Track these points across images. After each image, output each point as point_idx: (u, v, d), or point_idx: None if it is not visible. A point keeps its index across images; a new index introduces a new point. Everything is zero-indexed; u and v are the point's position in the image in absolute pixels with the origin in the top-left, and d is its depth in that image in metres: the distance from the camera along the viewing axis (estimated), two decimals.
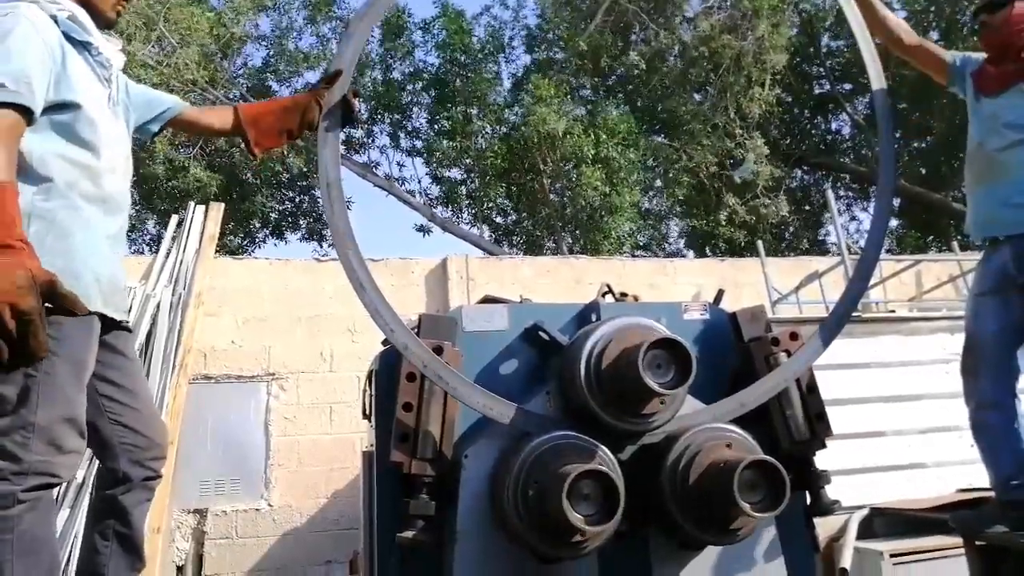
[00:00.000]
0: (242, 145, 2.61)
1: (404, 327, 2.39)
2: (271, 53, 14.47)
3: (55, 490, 1.93)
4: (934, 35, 14.67)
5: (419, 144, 15.30)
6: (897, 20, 3.19)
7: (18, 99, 1.76)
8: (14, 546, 1.74)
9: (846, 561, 4.06)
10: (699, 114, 13.20)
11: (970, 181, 3.03)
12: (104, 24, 2.23)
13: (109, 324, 2.11)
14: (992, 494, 2.91)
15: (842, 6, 3.17)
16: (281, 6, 14.37)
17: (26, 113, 1.79)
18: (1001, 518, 2.77)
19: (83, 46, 2.09)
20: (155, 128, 2.48)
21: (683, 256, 15.52)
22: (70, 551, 4.87)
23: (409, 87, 14.94)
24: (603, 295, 3.21)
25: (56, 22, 2.00)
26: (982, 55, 3.07)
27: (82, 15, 2.10)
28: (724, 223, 13.29)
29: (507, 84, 15.60)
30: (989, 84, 2.95)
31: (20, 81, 1.79)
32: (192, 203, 7.64)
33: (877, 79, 3.13)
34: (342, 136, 2.65)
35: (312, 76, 14.75)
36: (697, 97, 13.87)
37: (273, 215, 15.00)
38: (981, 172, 2.95)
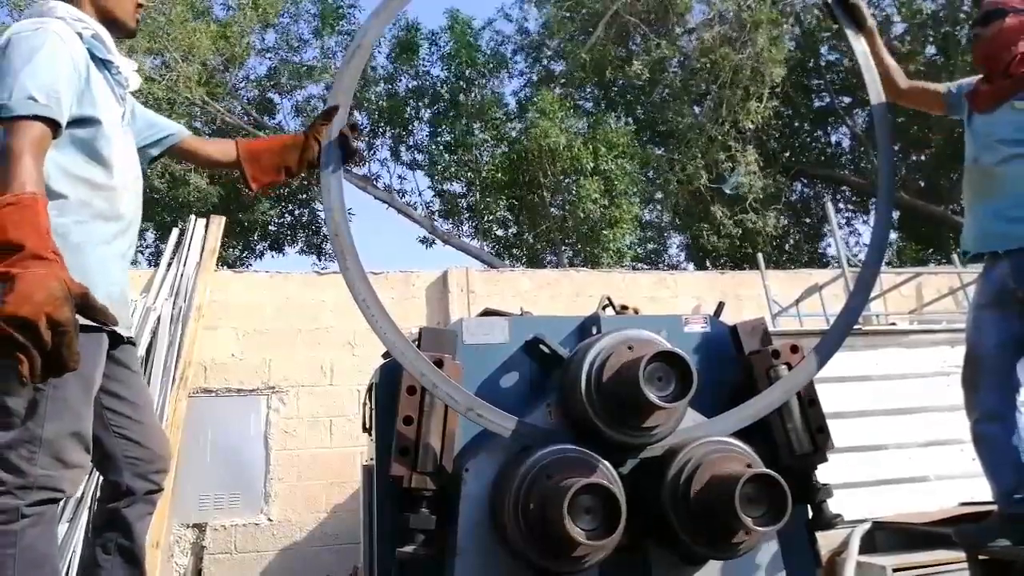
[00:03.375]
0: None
1: (435, 370, 2.38)
2: (273, 66, 14.55)
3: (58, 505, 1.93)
4: (931, 49, 14.74)
5: (420, 157, 15.37)
6: (895, 65, 3.19)
7: (48, 113, 1.78)
8: (17, 560, 1.73)
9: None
10: (695, 125, 13.25)
11: (968, 197, 3.05)
12: (125, 33, 2.28)
13: (116, 339, 2.12)
14: (995, 507, 2.90)
15: (848, 37, 3.17)
16: (291, 14, 14.44)
17: (53, 127, 1.81)
18: (1004, 532, 2.76)
19: (104, 64, 2.12)
20: (155, 152, 2.50)
21: (683, 269, 15.53)
22: (69, 564, 4.85)
23: (413, 102, 15.01)
24: (604, 308, 3.21)
25: (81, 39, 2.02)
26: (975, 78, 3.10)
27: (104, 34, 2.14)
28: (710, 234, 13.31)
29: (509, 98, 15.71)
30: (982, 101, 2.97)
31: (50, 96, 1.81)
32: (193, 216, 7.65)
33: (876, 92, 3.14)
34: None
35: (315, 89, 14.83)
36: (697, 110, 13.92)
37: (272, 228, 15.02)
38: (978, 188, 2.96)
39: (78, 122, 1.97)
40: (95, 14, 2.14)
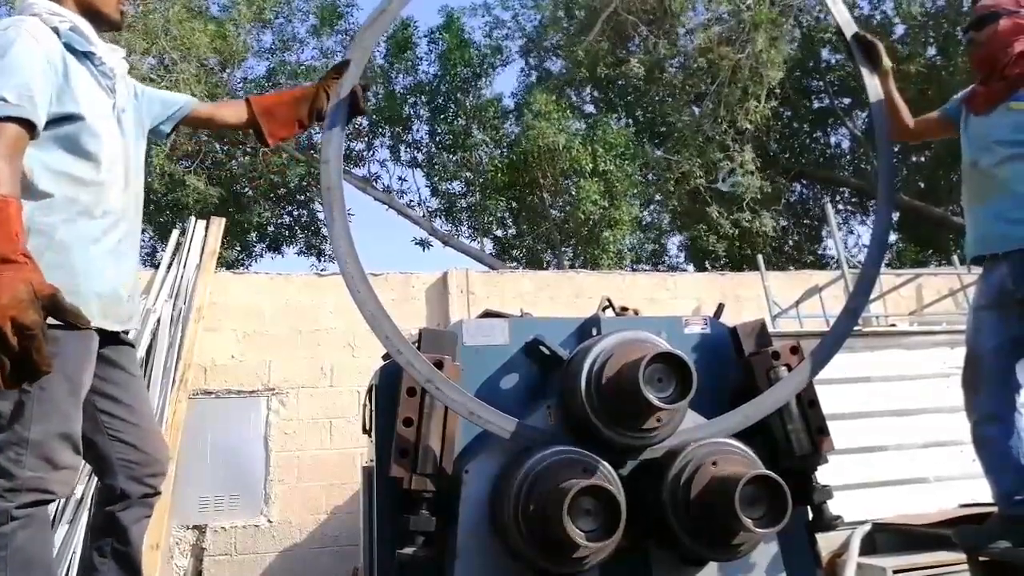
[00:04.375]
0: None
1: (422, 358, 2.38)
2: (272, 66, 14.54)
3: (52, 506, 1.91)
4: (932, 50, 14.74)
5: (419, 157, 15.35)
6: (904, 106, 3.18)
7: (21, 113, 1.76)
8: (8, 563, 1.72)
9: None
10: (693, 123, 13.24)
11: (967, 199, 3.06)
12: (109, 26, 2.24)
13: (109, 338, 2.09)
14: (995, 509, 2.90)
15: (863, 74, 3.16)
16: (286, 15, 14.45)
17: (29, 127, 1.79)
18: (1004, 533, 2.75)
19: (86, 57, 2.08)
20: (167, 128, 2.49)
21: (683, 270, 15.53)
22: (69, 565, 4.84)
23: (411, 99, 15.01)
24: (603, 309, 3.21)
25: (58, 34, 2.00)
26: (969, 89, 3.12)
27: (84, 25, 2.10)
28: (708, 235, 13.31)
29: (507, 98, 15.72)
30: (979, 104, 2.98)
31: (23, 95, 1.79)
32: (193, 217, 7.65)
33: (875, 94, 3.14)
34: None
35: None
36: (696, 111, 13.91)
37: (271, 228, 15.01)
38: (976, 190, 2.97)
39: (60, 119, 1.94)
40: (76, 7, 2.12)
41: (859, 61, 3.15)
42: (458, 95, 14.39)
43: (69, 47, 2.02)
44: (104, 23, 2.21)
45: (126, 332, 2.24)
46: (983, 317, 2.91)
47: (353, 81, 2.58)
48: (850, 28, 3.17)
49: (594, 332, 2.72)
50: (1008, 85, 2.86)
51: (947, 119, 3.20)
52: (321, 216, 14.49)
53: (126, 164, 2.20)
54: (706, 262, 14.60)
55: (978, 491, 4.57)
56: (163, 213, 12.89)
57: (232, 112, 2.61)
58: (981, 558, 2.92)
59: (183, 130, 2.67)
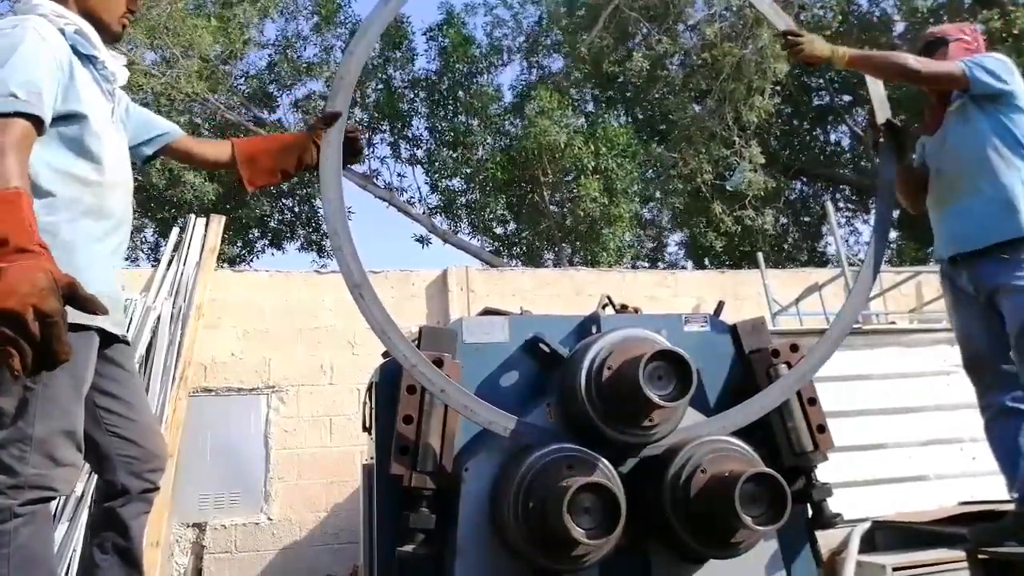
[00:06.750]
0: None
1: (440, 374, 2.38)
2: (274, 60, 14.52)
3: (53, 504, 1.92)
4: None
5: (419, 153, 15.35)
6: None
7: (30, 109, 1.77)
8: (10, 560, 1.73)
9: (848, 575, 4.03)
10: (698, 120, 13.21)
11: (930, 205, 3.11)
12: (110, 38, 2.23)
13: (108, 338, 2.10)
14: (995, 507, 2.89)
15: (883, 155, 3.15)
16: (288, 12, 14.44)
17: (37, 123, 1.80)
18: (1017, 531, 2.73)
19: (89, 60, 2.09)
20: (148, 151, 2.47)
21: (682, 267, 15.53)
22: (69, 563, 4.85)
23: (409, 95, 14.98)
24: (603, 307, 3.21)
25: (63, 35, 2.00)
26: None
27: (88, 29, 2.11)
28: (709, 231, 13.30)
29: (508, 95, 15.69)
30: (931, 125, 3.06)
31: (31, 92, 1.79)
32: (193, 215, 7.65)
33: (890, 178, 3.14)
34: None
35: (314, 85, 14.82)
36: (696, 108, 13.89)
37: (272, 224, 15.00)
38: (934, 199, 3.05)
39: (64, 118, 1.95)
40: (78, 13, 2.11)
41: (886, 145, 3.12)
42: (459, 92, 14.37)
43: (73, 49, 2.02)
44: (104, 33, 2.20)
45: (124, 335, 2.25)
46: (962, 315, 2.99)
47: (341, 129, 2.54)
48: (884, 112, 3.16)
49: (594, 330, 2.72)
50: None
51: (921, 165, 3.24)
52: (321, 213, 14.48)
53: (126, 168, 2.21)
54: (706, 260, 14.60)
55: (977, 489, 4.58)
56: (163, 208, 12.88)
57: (214, 151, 2.57)
58: (981, 556, 2.91)
59: (182, 128, 2.65)
